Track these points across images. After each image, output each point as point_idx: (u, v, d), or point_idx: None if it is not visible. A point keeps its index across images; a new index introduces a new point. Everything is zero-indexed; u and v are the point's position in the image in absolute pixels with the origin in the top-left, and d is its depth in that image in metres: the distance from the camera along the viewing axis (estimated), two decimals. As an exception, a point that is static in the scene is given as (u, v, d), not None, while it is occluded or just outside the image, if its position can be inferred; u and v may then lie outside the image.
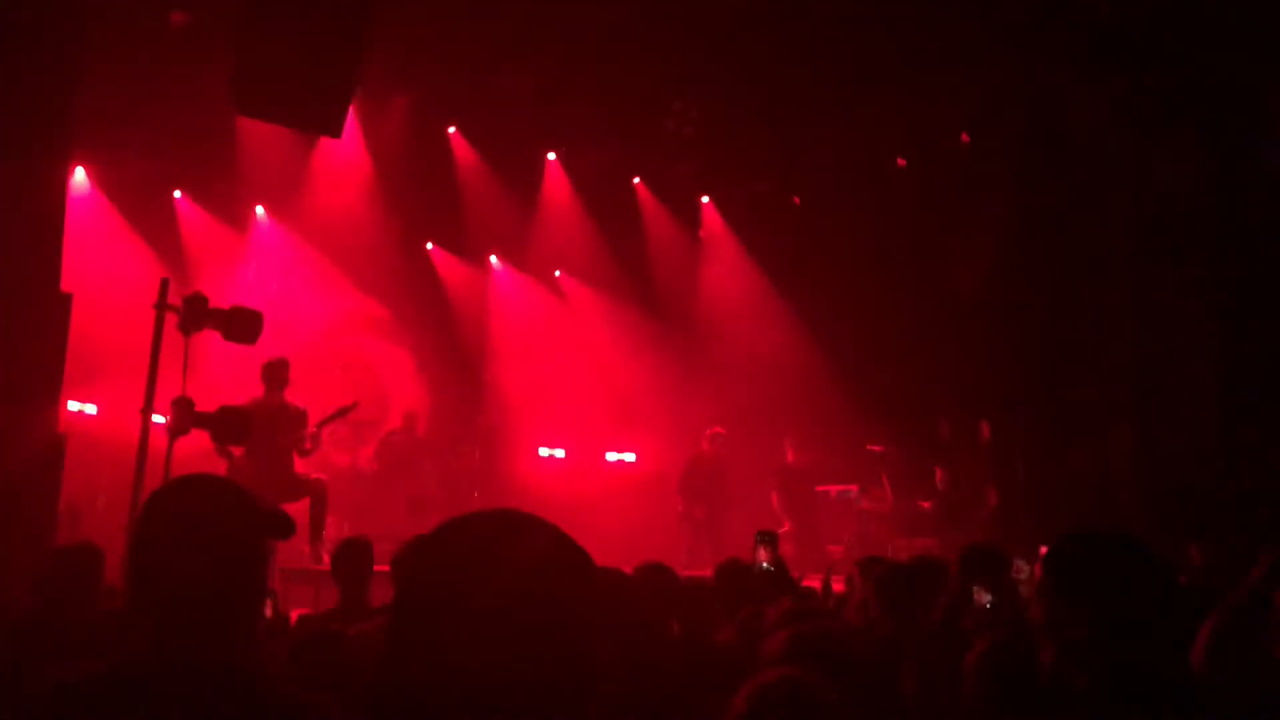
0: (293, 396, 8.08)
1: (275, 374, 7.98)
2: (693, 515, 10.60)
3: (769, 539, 4.45)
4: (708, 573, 4.95)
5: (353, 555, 4.73)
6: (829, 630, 2.63)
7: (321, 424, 8.00)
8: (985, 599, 3.62)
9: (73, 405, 8.59)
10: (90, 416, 9.11)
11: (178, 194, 10.79)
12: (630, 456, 12.58)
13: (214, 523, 1.82)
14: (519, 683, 1.16)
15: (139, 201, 10.27)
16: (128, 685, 1.72)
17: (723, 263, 13.21)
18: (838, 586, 5.54)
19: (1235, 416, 9.08)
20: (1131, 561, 1.97)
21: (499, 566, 1.21)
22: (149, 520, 1.84)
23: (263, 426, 7.35)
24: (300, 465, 8.07)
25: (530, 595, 1.20)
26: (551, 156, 12.43)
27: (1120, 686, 1.90)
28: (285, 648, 3.06)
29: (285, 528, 1.93)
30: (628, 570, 3.61)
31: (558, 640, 1.20)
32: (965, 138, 11.06)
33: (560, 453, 12.36)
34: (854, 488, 11.13)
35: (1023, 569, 5.81)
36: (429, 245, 12.37)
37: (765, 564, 4.42)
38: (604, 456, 12.56)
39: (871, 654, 2.91)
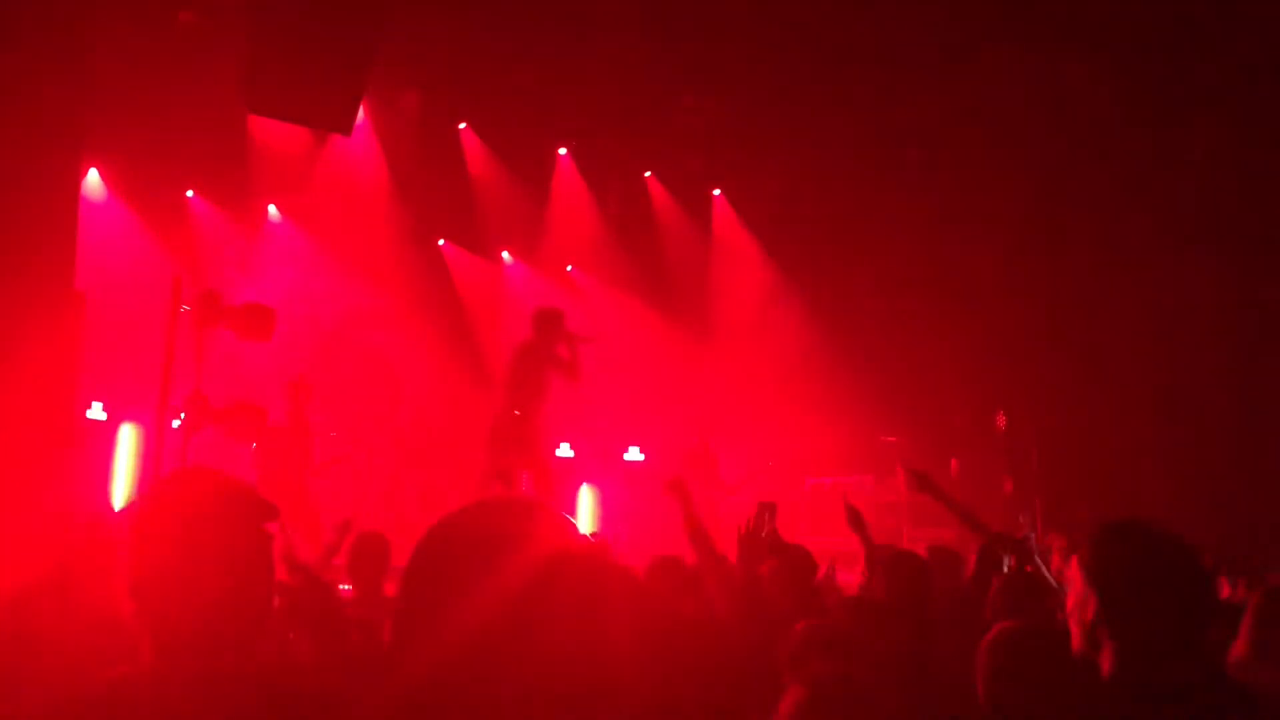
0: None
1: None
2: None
3: (772, 507, 4.51)
4: None
5: (369, 551, 4.74)
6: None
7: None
8: (1008, 561, 3.69)
9: (88, 405, 8.62)
10: (105, 414, 9.14)
11: (190, 193, 10.81)
12: (640, 452, 12.55)
13: (214, 515, 1.68)
14: (526, 681, 1.08)
15: (151, 201, 10.30)
16: (141, 696, 1.59)
17: (735, 255, 13.18)
18: (844, 578, 5.53)
19: (1256, 404, 9.02)
20: (1165, 551, 1.96)
21: (507, 558, 1.12)
22: (146, 522, 1.69)
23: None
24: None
25: (542, 588, 1.11)
26: (562, 152, 12.42)
27: (1146, 674, 1.88)
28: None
29: (272, 510, 1.76)
30: (638, 566, 3.60)
31: (569, 640, 1.10)
32: (979, 129, 11.00)
33: (570, 448, 12.33)
34: (868, 478, 11.11)
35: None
36: (441, 241, 12.38)
37: (769, 529, 4.49)
38: (615, 452, 12.53)
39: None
